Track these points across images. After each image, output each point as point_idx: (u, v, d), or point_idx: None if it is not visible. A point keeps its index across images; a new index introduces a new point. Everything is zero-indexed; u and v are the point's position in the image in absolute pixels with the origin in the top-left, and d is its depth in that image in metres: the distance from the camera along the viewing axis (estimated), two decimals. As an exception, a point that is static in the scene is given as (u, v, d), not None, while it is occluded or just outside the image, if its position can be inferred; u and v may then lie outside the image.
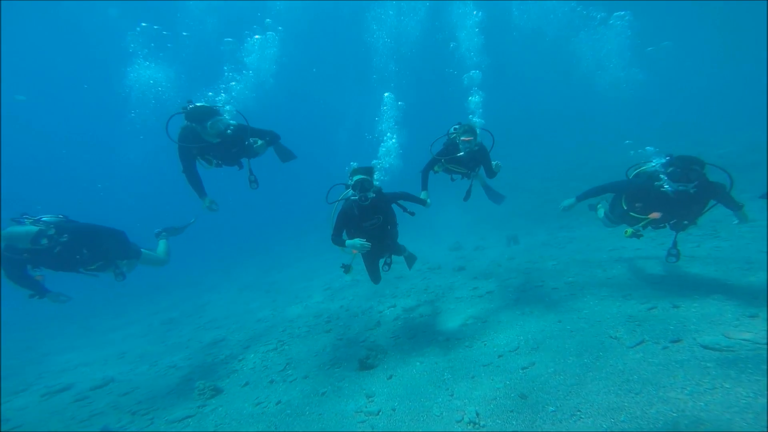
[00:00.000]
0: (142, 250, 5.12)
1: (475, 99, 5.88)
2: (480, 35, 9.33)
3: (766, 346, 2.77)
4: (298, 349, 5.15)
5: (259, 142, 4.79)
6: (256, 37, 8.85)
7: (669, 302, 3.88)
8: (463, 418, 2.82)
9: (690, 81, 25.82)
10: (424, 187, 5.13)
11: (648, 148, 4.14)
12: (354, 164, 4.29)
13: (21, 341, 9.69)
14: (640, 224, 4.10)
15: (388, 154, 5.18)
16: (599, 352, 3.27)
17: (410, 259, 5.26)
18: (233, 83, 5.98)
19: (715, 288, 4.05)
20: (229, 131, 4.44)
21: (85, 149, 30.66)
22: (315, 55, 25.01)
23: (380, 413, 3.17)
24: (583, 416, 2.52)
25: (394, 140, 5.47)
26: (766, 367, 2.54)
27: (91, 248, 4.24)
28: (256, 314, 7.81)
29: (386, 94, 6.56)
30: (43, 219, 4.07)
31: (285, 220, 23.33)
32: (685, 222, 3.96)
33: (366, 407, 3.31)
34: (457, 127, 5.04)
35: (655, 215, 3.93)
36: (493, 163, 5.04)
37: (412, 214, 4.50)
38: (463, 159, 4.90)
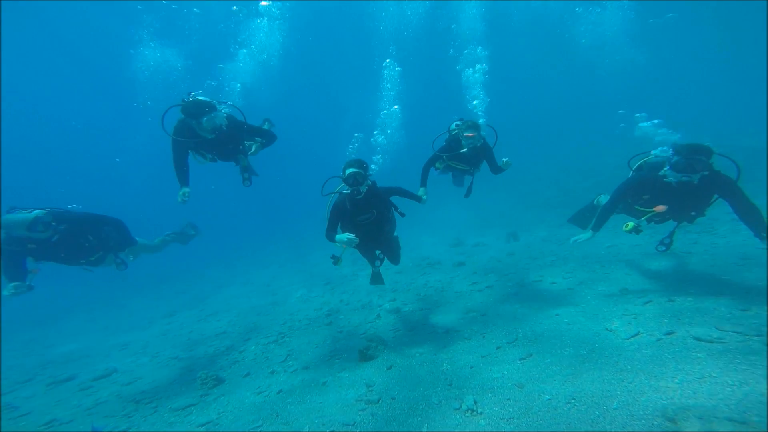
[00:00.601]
0: (137, 239, 5.19)
1: (475, 76, 5.68)
2: (481, 22, 9.32)
3: (755, 338, 2.84)
4: (299, 341, 5.23)
5: (254, 147, 4.74)
6: (264, 3, 8.57)
7: (665, 296, 3.96)
8: (461, 406, 2.90)
9: (692, 64, 25.44)
10: (423, 183, 5.03)
11: (637, 114, 3.97)
12: (359, 134, 4.22)
13: (24, 333, 9.79)
14: (644, 218, 3.92)
15: (388, 124, 5.04)
16: (595, 344, 3.34)
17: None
18: (242, 50, 5.87)
19: (710, 283, 4.12)
20: (224, 128, 4.44)
21: (94, 138, 30.21)
22: (315, 45, 24.80)
23: (380, 401, 3.25)
24: (577, 404, 2.60)
25: (396, 108, 5.34)
26: (754, 358, 2.62)
27: (95, 235, 4.29)
28: (257, 307, 7.89)
29: (387, 61, 6.44)
30: (38, 209, 4.09)
31: (285, 215, 23.36)
32: (693, 213, 3.79)
33: (366, 396, 3.39)
34: (459, 123, 4.96)
35: (660, 208, 3.76)
36: (504, 159, 4.90)
37: (402, 214, 4.41)
38: (466, 155, 4.85)
